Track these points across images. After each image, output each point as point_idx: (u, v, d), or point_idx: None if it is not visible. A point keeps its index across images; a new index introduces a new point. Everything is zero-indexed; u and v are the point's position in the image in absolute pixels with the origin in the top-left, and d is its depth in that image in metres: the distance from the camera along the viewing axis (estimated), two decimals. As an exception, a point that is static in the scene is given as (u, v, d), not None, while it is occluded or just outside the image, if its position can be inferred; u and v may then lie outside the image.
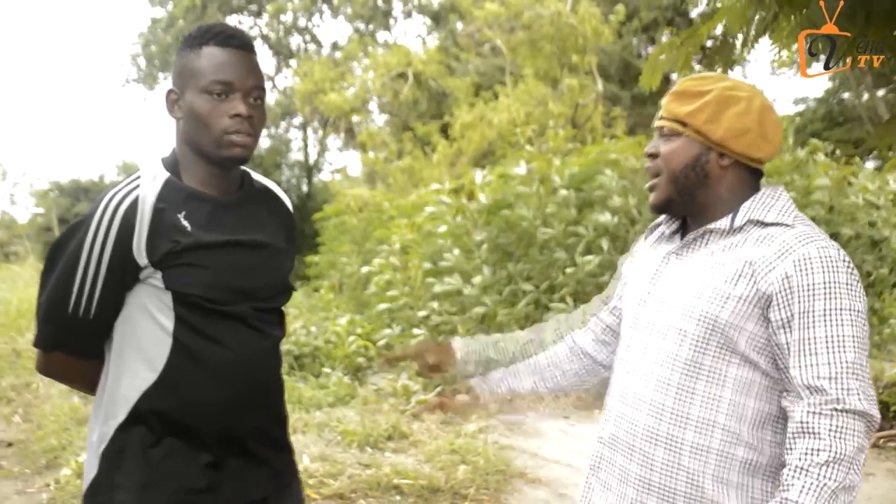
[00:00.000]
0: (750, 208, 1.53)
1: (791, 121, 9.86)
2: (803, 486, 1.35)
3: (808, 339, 1.40)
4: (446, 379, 1.77)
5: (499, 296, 7.21)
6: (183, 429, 1.59)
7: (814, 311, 1.40)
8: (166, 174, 1.63)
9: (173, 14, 21.30)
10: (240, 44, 1.62)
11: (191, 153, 1.64)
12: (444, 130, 17.49)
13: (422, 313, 7.37)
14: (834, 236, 8.86)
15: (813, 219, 8.79)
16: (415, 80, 18.23)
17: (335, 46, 22.54)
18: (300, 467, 2.90)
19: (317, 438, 5.03)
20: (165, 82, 23.00)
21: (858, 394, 1.38)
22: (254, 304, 1.65)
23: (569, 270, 7.15)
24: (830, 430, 1.36)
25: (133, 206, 1.55)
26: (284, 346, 4.96)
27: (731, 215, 1.54)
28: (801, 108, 17.65)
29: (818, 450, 1.35)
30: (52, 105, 51.73)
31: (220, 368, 1.59)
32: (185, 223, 1.58)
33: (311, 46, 22.67)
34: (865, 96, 13.39)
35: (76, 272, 1.55)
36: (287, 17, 22.39)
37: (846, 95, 16.66)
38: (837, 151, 9.67)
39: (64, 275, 1.56)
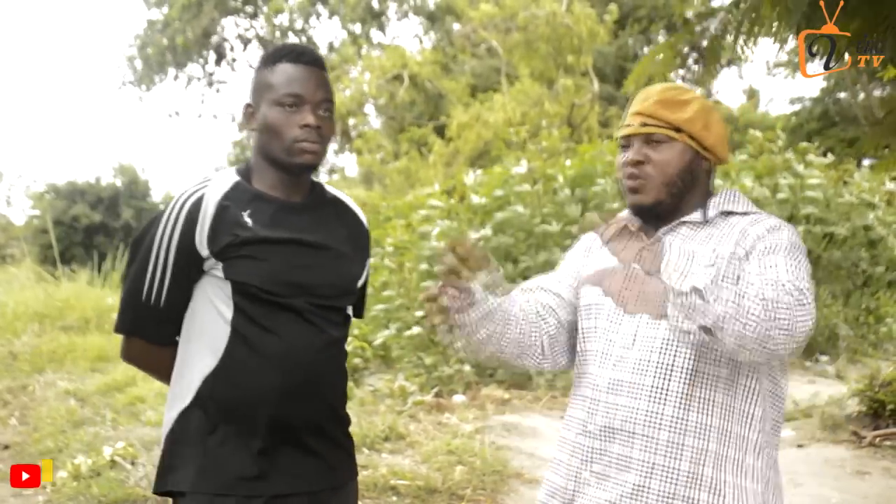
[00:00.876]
0: (719, 203, 1.66)
1: (787, 120, 9.88)
2: (717, 291, 1.36)
3: (770, 264, 1.48)
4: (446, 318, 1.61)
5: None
6: (238, 416, 1.68)
7: (778, 247, 1.51)
8: (236, 178, 1.76)
9: (169, 16, 21.27)
10: (310, 60, 1.75)
11: (264, 162, 1.76)
12: (440, 131, 17.49)
13: (418, 313, 7.36)
14: (829, 235, 8.88)
15: (808, 217, 8.81)
16: (410, 81, 18.24)
17: (331, 48, 22.53)
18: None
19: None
20: (161, 84, 22.99)
21: (812, 306, 1.41)
22: (311, 300, 1.73)
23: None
24: (776, 301, 1.38)
25: (198, 203, 1.69)
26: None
27: (701, 209, 1.66)
28: (797, 107, 17.63)
29: (754, 295, 1.37)
30: (49, 107, 51.75)
31: (273, 357, 1.68)
32: (248, 220, 1.70)
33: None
34: (861, 96, 13.40)
35: (149, 263, 1.70)
36: (283, 19, 22.38)
37: (842, 95, 16.66)
38: (829, 154, 9.69)
39: (140, 266, 1.72)
